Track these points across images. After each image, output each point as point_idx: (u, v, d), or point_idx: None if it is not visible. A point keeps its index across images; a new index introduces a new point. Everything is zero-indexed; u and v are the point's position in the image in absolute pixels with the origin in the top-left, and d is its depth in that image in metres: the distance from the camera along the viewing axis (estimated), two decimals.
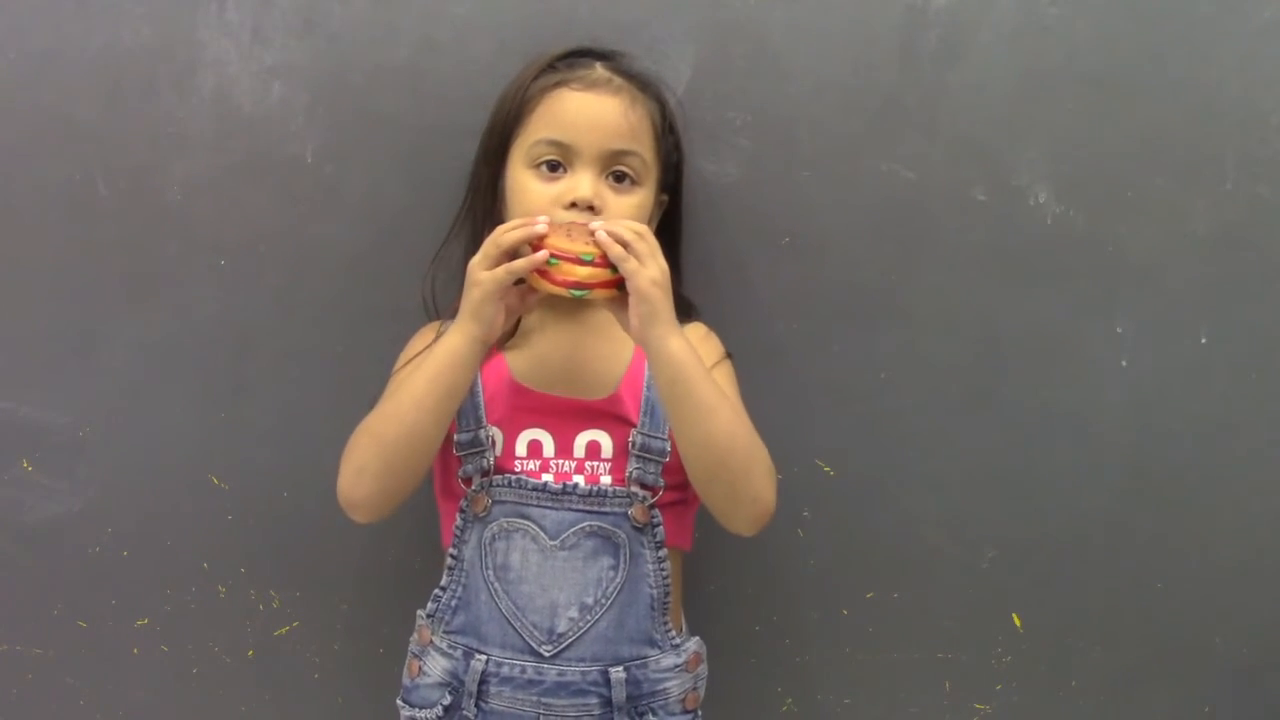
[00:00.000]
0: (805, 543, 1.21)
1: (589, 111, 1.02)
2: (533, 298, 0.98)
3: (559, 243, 0.93)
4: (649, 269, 0.92)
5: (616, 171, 1.02)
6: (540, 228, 0.93)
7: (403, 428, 0.97)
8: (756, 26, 1.15)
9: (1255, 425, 1.21)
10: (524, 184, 1.02)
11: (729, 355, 1.08)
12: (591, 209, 1.00)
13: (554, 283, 0.93)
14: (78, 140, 1.16)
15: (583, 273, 0.93)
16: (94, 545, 1.22)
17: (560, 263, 0.93)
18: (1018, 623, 1.23)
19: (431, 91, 1.16)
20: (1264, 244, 1.18)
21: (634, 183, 1.03)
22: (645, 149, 1.04)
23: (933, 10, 1.15)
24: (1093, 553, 1.22)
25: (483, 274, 0.94)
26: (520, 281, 0.95)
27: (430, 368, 0.97)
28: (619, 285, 0.94)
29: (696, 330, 1.09)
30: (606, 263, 0.93)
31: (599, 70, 1.04)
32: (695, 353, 0.96)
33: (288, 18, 1.15)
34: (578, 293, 0.94)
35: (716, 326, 1.12)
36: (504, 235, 0.94)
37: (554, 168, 1.02)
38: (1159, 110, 1.17)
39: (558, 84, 1.03)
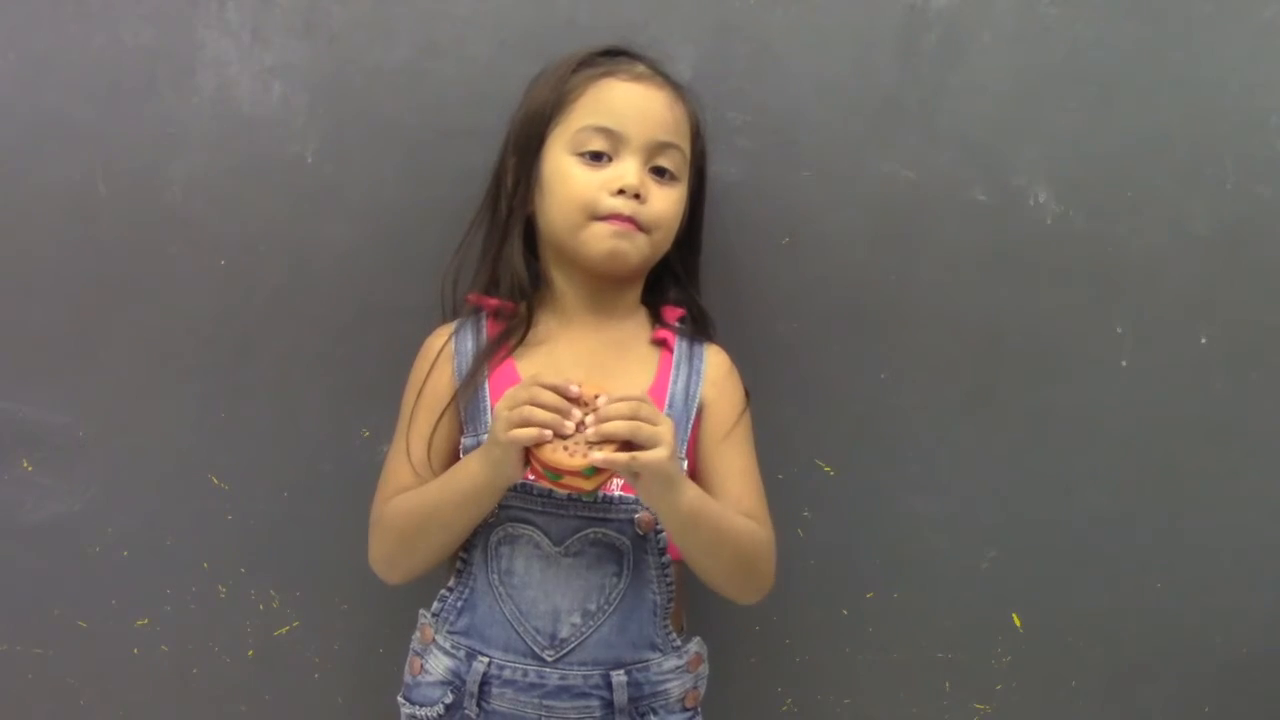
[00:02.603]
0: (805, 543, 1.21)
1: (638, 101, 1.02)
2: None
3: (559, 459, 0.90)
4: (657, 451, 0.90)
5: (657, 166, 1.02)
6: (569, 421, 0.90)
7: (431, 540, 1.00)
8: (756, 26, 1.15)
9: (1255, 425, 1.21)
10: (567, 170, 1.01)
11: (747, 394, 1.08)
12: (638, 197, 1.00)
13: (563, 488, 0.93)
14: (78, 140, 1.16)
15: (588, 485, 0.91)
16: (94, 545, 1.22)
17: (563, 475, 0.91)
18: (1018, 623, 1.24)
19: (431, 91, 1.16)
20: (1264, 244, 1.18)
21: (673, 178, 1.03)
22: (685, 145, 1.04)
23: (933, 10, 1.15)
24: (1093, 553, 1.22)
25: (502, 435, 0.91)
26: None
27: (455, 499, 0.97)
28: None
29: (719, 363, 1.07)
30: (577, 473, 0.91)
31: (642, 66, 1.04)
32: (702, 495, 0.97)
33: (288, 18, 1.15)
34: (587, 498, 0.97)
35: (716, 326, 1.12)
36: (534, 413, 0.89)
37: (597, 157, 1.01)
38: (1159, 110, 1.17)
39: (604, 74, 1.03)
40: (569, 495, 0.99)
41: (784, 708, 1.25)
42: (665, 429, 0.91)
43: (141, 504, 1.21)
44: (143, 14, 1.15)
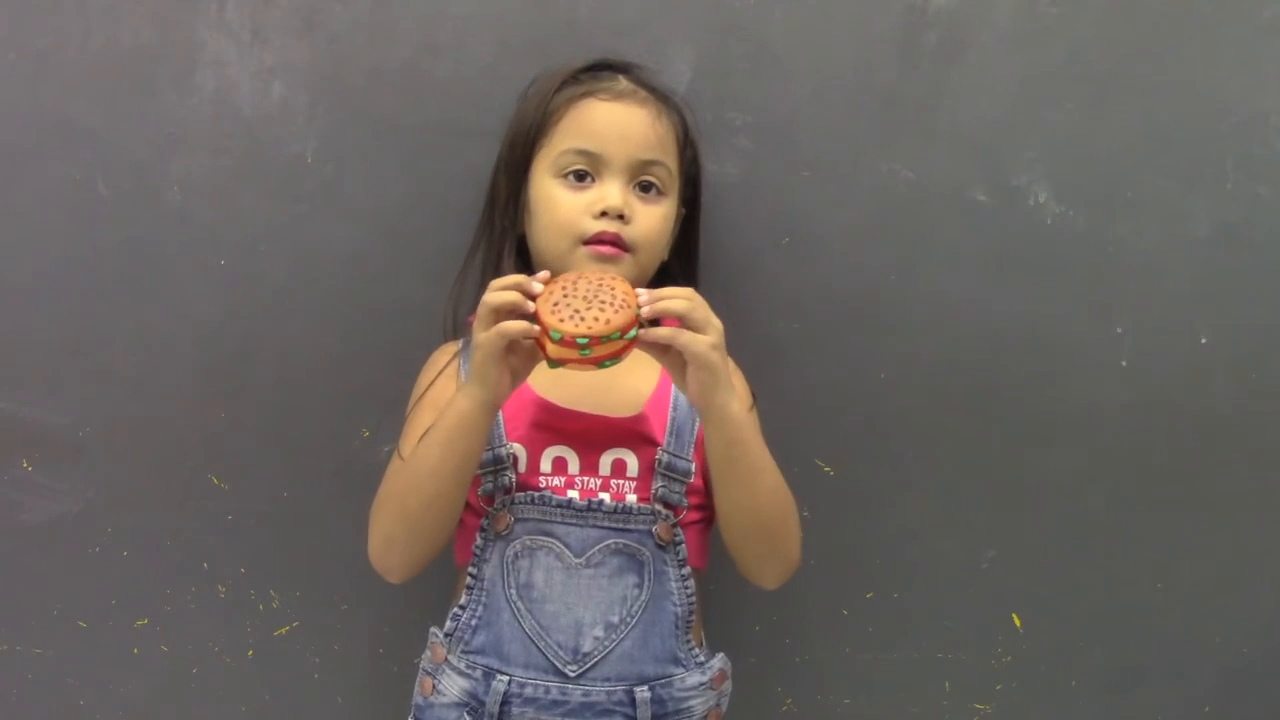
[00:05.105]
0: (805, 543, 1.20)
1: (618, 121, 1.01)
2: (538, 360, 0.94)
3: (548, 318, 0.88)
4: (709, 335, 0.90)
5: (643, 182, 1.02)
6: (536, 286, 0.90)
7: (423, 497, 0.96)
8: (756, 26, 1.15)
9: (1255, 425, 1.21)
10: (551, 194, 1.02)
11: (754, 395, 1.07)
12: (621, 218, 1.00)
13: (547, 356, 0.90)
14: (78, 140, 1.16)
15: (580, 355, 0.88)
16: (94, 545, 1.22)
17: (561, 341, 0.88)
18: (1018, 623, 1.24)
19: (431, 91, 1.16)
20: (1264, 244, 1.18)
21: (660, 193, 1.03)
22: (670, 160, 1.04)
23: (933, 10, 1.15)
24: (1093, 553, 1.22)
25: (480, 335, 0.91)
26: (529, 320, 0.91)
27: (442, 435, 0.94)
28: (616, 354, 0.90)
29: None
30: (598, 343, 0.88)
31: (624, 82, 1.04)
32: (749, 414, 0.96)
33: (288, 18, 1.15)
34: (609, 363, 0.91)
35: None
36: (494, 297, 0.90)
37: (581, 177, 1.01)
38: (1159, 110, 1.17)
39: (584, 94, 1.02)
40: (583, 504, 0.98)
41: (784, 708, 1.25)
42: (716, 320, 0.91)
43: (141, 504, 1.21)
44: (143, 14, 1.15)
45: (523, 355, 0.93)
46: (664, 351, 0.92)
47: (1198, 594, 1.23)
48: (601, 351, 0.88)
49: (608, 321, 0.88)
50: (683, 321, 0.90)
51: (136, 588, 1.22)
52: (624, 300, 0.89)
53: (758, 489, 0.97)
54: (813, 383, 1.19)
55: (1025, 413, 1.20)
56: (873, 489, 1.21)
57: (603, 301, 0.89)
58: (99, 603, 1.23)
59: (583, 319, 0.88)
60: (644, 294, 0.91)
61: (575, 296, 0.89)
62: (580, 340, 0.87)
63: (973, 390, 1.20)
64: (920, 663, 1.24)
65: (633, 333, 0.89)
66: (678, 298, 0.91)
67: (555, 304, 0.89)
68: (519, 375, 0.94)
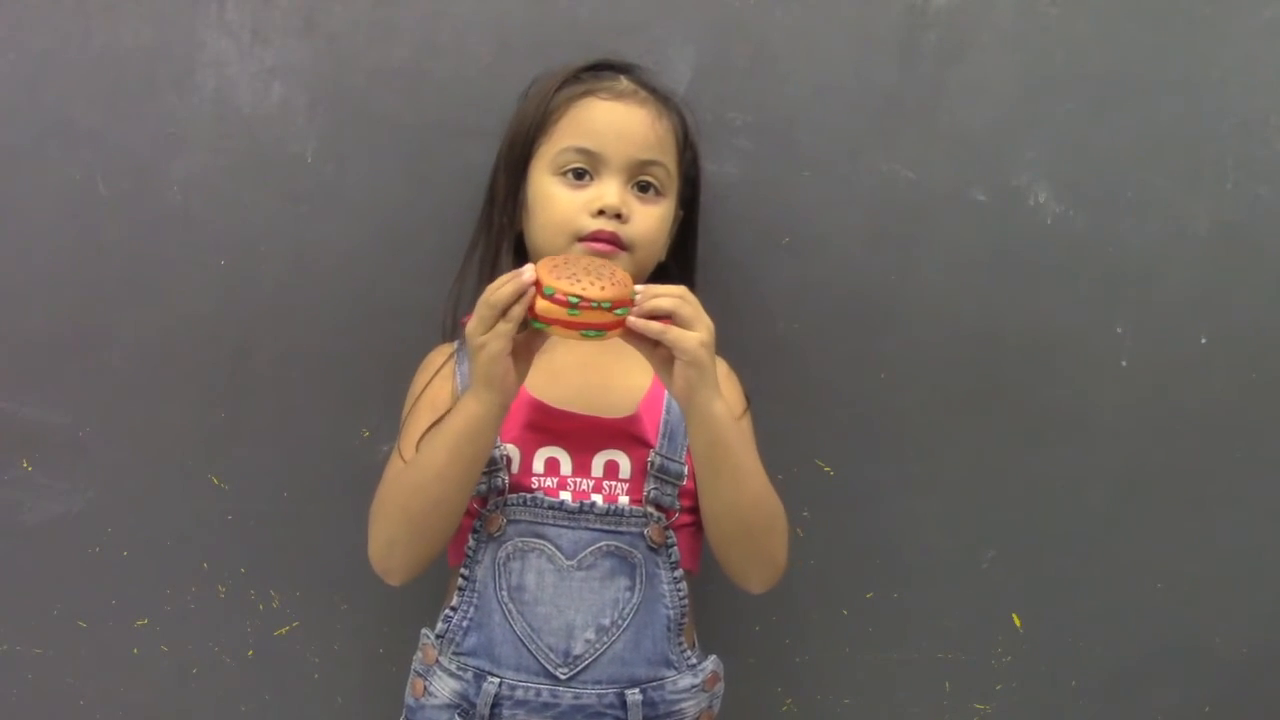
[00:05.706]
0: (805, 543, 1.21)
1: (617, 120, 1.01)
2: (538, 340, 0.94)
3: (544, 275, 0.89)
4: (698, 331, 0.90)
5: (642, 181, 1.02)
6: (528, 275, 0.90)
7: (428, 500, 0.96)
8: (756, 26, 1.16)
9: (1255, 425, 1.21)
10: (550, 192, 1.02)
11: (748, 400, 1.07)
12: (619, 217, 1.00)
13: (534, 315, 0.90)
14: (78, 140, 1.16)
15: (567, 315, 0.89)
16: (94, 545, 1.22)
17: (553, 297, 0.89)
18: (1018, 623, 1.24)
19: (431, 91, 1.16)
20: (1264, 244, 1.19)
21: (658, 193, 1.03)
22: (669, 160, 1.04)
23: (933, 10, 1.15)
24: (1093, 553, 1.22)
25: (482, 336, 0.91)
26: (524, 326, 0.92)
27: (450, 438, 0.94)
28: (608, 327, 0.91)
29: (718, 366, 1.08)
30: (587, 307, 0.89)
31: (624, 82, 1.04)
32: (736, 419, 0.96)
33: (288, 18, 1.15)
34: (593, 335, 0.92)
35: (716, 326, 1.11)
36: (494, 295, 0.90)
37: (580, 175, 1.01)
38: (1159, 110, 1.17)
39: (585, 93, 1.02)
40: (575, 506, 0.98)
41: (784, 708, 1.25)
42: (706, 319, 0.91)
43: (141, 504, 1.21)
44: (143, 14, 1.15)
45: (521, 344, 0.93)
46: (653, 347, 0.92)
47: (1198, 594, 1.23)
48: (589, 318, 0.89)
49: (602, 289, 0.89)
50: (672, 318, 0.90)
51: (136, 588, 1.22)
52: (621, 280, 0.91)
53: (741, 492, 0.97)
54: (813, 383, 1.19)
55: (1025, 413, 1.20)
56: (873, 489, 1.21)
57: (600, 274, 0.91)
58: (99, 603, 1.23)
59: (578, 281, 0.89)
60: (638, 288, 0.91)
61: (576, 266, 0.91)
62: (571, 299, 0.88)
63: (973, 390, 1.20)
64: (920, 663, 1.24)
65: (622, 310, 0.90)
66: (668, 295, 0.91)
67: (555, 266, 0.91)
68: (521, 373, 0.94)
